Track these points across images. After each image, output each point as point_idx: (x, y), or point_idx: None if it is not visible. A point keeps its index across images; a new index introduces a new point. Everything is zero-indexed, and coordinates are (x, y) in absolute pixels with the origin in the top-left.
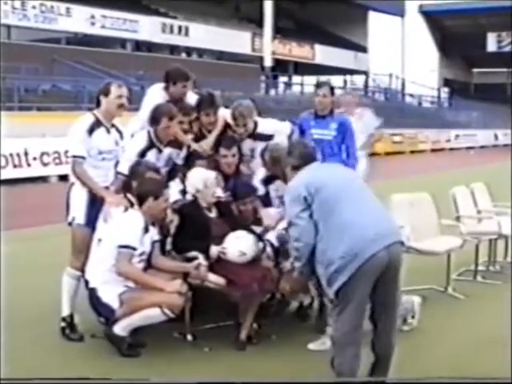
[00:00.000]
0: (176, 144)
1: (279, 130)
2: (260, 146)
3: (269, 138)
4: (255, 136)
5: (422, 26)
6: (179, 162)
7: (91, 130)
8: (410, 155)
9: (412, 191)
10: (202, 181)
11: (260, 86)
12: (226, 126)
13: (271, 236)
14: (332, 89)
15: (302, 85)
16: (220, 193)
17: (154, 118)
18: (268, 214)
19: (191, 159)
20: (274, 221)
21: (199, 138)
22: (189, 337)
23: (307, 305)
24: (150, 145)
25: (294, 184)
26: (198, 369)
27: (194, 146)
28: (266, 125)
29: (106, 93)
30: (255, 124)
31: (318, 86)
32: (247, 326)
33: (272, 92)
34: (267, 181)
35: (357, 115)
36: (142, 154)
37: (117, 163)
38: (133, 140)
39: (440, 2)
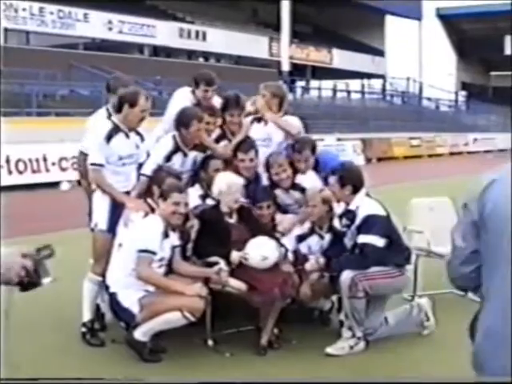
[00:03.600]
0: (201, 147)
1: (294, 122)
2: (278, 132)
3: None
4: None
5: (440, 30)
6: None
7: (109, 137)
8: (428, 159)
9: (431, 195)
10: (226, 185)
11: None
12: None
13: (286, 241)
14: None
15: (319, 89)
16: (241, 198)
17: (183, 122)
18: (282, 220)
19: (206, 160)
20: (288, 226)
21: (220, 138)
22: (210, 342)
23: (328, 309)
24: (176, 149)
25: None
26: (219, 374)
27: (219, 149)
28: (286, 117)
29: (133, 103)
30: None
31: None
32: (268, 331)
33: (290, 96)
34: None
35: None
36: (168, 157)
37: (139, 167)
38: (158, 144)
39: (457, 6)
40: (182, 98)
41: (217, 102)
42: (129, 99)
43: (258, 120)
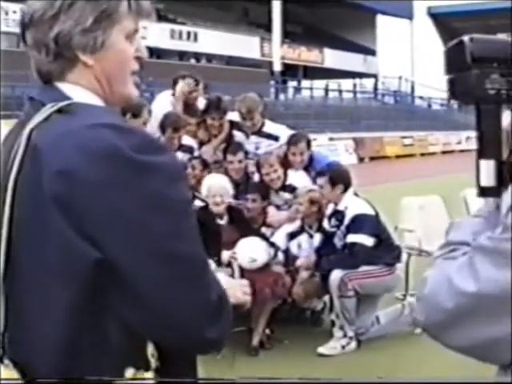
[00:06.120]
0: (186, 148)
1: (287, 133)
2: (264, 142)
3: (274, 138)
4: (260, 133)
5: (431, 28)
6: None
7: None
8: (420, 158)
9: (423, 194)
10: (206, 187)
11: (269, 91)
12: (232, 126)
13: (277, 239)
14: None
15: (311, 89)
16: (231, 199)
17: (162, 127)
18: (273, 213)
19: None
20: (277, 220)
21: (205, 143)
22: None
23: (319, 309)
24: None
25: None
26: (210, 375)
27: (207, 150)
28: (273, 126)
29: (138, 114)
30: (262, 123)
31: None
32: (259, 331)
33: (281, 97)
34: None
35: None
36: None
37: None
38: None
39: (448, 4)
40: (161, 102)
41: (201, 102)
42: (135, 110)
43: (238, 128)
